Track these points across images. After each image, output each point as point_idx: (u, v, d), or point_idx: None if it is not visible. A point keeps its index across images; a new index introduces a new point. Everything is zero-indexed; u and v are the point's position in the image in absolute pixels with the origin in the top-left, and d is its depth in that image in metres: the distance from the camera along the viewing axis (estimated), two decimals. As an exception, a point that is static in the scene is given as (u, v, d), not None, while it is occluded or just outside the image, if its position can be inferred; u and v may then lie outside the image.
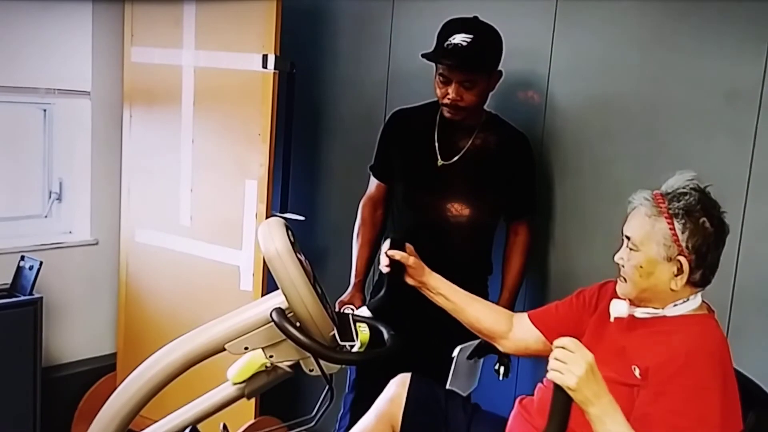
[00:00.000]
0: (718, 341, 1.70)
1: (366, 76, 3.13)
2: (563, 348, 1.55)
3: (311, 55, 3.24)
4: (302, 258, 1.57)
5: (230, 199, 2.93)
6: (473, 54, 2.37)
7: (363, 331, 1.64)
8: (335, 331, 1.58)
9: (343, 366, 1.65)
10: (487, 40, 2.42)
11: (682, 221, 1.69)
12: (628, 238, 1.76)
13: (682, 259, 1.69)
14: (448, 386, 2.28)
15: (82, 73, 3.23)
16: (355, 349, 1.60)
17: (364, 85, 3.02)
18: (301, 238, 1.65)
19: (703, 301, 1.76)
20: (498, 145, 2.56)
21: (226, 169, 2.96)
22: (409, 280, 2.07)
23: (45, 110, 3.27)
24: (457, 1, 2.74)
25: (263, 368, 1.68)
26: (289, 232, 1.57)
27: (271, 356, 1.60)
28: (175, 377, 1.60)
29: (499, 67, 2.47)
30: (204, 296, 3.02)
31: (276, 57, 2.79)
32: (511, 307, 2.49)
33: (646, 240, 1.72)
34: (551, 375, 1.53)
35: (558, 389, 1.53)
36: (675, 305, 1.73)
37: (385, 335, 1.68)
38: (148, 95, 3.21)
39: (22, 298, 2.90)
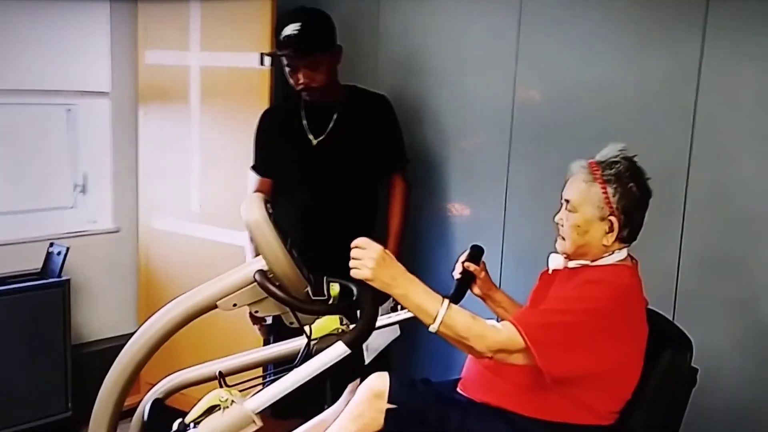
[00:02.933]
0: (627, 282, 1.93)
1: (356, 68, 3.34)
2: (357, 247, 1.77)
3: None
4: (281, 227, 1.83)
5: (235, 186, 3.16)
6: (305, 39, 2.62)
7: (334, 288, 1.90)
8: (309, 288, 1.85)
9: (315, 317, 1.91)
10: (314, 24, 2.66)
11: (614, 186, 1.93)
12: (567, 201, 2.00)
13: (613, 218, 1.93)
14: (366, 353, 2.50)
15: (101, 75, 3.51)
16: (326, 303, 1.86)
17: (354, 76, 3.26)
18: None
19: (629, 255, 2.00)
20: (361, 110, 2.81)
21: (231, 159, 3.21)
22: (476, 290, 2.25)
23: (69, 110, 3.55)
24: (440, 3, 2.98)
25: (335, 331, 1.96)
26: (268, 206, 1.84)
27: (256, 311, 1.87)
28: (176, 331, 1.86)
29: (338, 43, 2.73)
30: (214, 274, 3.23)
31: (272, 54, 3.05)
32: (398, 250, 2.74)
33: (583, 202, 1.95)
34: (352, 273, 1.75)
35: (362, 284, 1.75)
36: (603, 257, 1.98)
37: (355, 291, 1.95)
38: (161, 94, 3.48)
39: (52, 280, 3.19)
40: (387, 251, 1.77)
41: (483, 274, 2.24)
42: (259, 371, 2.95)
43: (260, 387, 2.64)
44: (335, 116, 2.79)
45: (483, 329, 1.79)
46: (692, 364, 1.97)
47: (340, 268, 2.39)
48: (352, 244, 1.79)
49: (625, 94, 2.62)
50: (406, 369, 3.07)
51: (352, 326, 1.86)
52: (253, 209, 1.80)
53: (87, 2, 3.48)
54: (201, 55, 3.28)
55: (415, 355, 3.13)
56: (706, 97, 2.44)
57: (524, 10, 2.81)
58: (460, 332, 1.77)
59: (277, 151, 2.86)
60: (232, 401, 1.70)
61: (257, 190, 2.85)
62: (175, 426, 1.74)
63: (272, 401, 1.73)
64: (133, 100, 3.56)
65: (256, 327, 2.74)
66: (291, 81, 2.72)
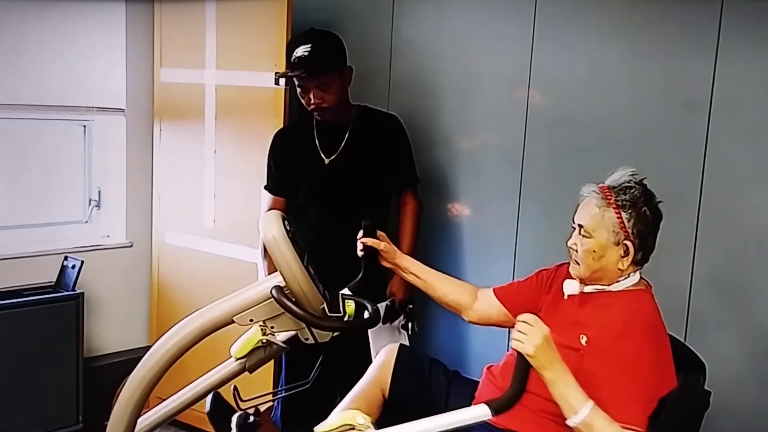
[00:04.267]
0: (652, 311, 1.95)
1: (368, 87, 3.38)
2: (525, 322, 1.81)
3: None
4: (298, 244, 1.86)
5: (248, 203, 3.19)
6: (316, 60, 2.68)
7: (349, 306, 1.93)
8: (325, 305, 1.87)
9: (333, 333, 1.93)
10: (324, 45, 2.73)
11: (629, 211, 1.95)
12: (580, 226, 2.01)
13: (628, 243, 1.96)
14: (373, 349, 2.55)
15: (117, 92, 3.55)
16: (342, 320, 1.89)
17: (366, 96, 3.29)
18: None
19: (642, 278, 2.02)
20: (373, 130, 2.86)
21: (245, 176, 3.23)
22: (384, 263, 2.31)
23: (85, 126, 3.60)
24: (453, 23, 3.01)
25: (260, 344, 1.94)
26: (286, 223, 1.86)
27: (272, 327, 1.89)
28: (192, 345, 1.87)
29: (348, 64, 2.79)
30: (227, 290, 3.25)
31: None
32: None
33: (598, 228, 1.98)
34: (514, 344, 1.80)
35: (520, 356, 1.80)
36: (618, 281, 2.00)
37: (369, 309, 1.98)
38: (176, 111, 3.53)
39: (66, 293, 3.22)
40: (550, 336, 1.81)
41: (383, 245, 2.28)
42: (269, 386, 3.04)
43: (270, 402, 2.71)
44: (347, 135, 2.84)
45: None
46: (705, 387, 1.99)
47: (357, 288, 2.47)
48: (521, 318, 1.83)
49: (639, 117, 2.64)
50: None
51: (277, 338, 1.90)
52: (272, 225, 1.82)
53: (104, 20, 3.53)
54: (216, 73, 3.32)
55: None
56: (718, 122, 2.47)
57: (537, 30, 2.84)
58: None
59: (290, 170, 2.91)
60: (368, 427, 1.74)
61: (270, 209, 2.88)
62: (235, 418, 1.84)
63: None
64: (149, 116, 3.60)
65: None
66: (303, 101, 2.78)
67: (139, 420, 2.01)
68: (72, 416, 3.27)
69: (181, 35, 3.47)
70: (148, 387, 1.90)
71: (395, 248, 2.33)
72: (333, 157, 2.84)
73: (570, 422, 1.81)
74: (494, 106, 2.99)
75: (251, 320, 1.87)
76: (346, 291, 2.20)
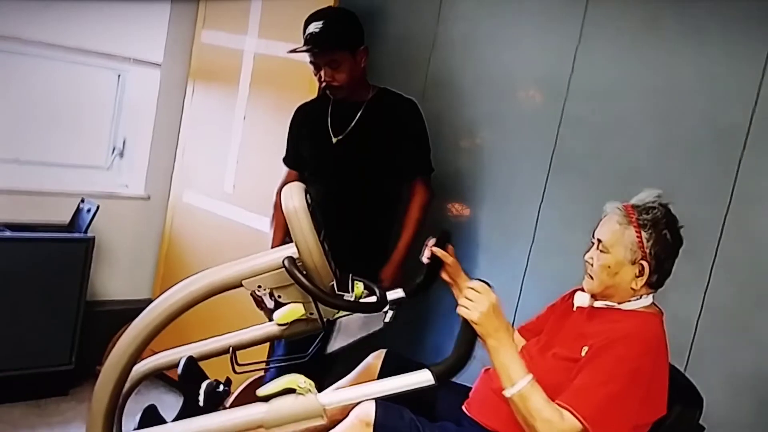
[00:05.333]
0: (657, 334, 1.94)
1: (407, 78, 3.38)
2: (473, 289, 1.81)
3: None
4: (317, 219, 1.87)
5: (271, 173, 3.17)
6: (326, 37, 2.65)
7: (358, 286, 1.94)
8: (334, 282, 1.88)
9: (338, 312, 1.94)
10: (337, 22, 2.69)
11: (649, 231, 1.95)
12: (599, 240, 2.02)
13: (644, 263, 1.95)
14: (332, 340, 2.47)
15: (156, 47, 3.58)
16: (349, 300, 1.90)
17: (405, 87, 3.29)
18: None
19: (653, 303, 2.02)
20: (386, 113, 2.79)
21: (271, 146, 3.22)
22: (444, 276, 2.27)
23: (120, 75, 3.63)
24: (487, 24, 3.00)
25: (303, 317, 2.00)
26: (308, 196, 1.87)
27: (279, 296, 1.91)
28: (197, 302, 1.88)
29: (365, 44, 2.74)
30: (235, 256, 3.20)
31: (326, 53, 3.11)
32: (404, 258, 2.78)
33: (616, 244, 1.97)
34: (460, 310, 1.79)
35: (466, 323, 1.79)
36: (629, 301, 2.00)
37: (377, 292, 1.99)
38: (211, 73, 3.55)
39: (78, 235, 3.26)
40: (498, 304, 1.81)
41: (451, 259, 2.26)
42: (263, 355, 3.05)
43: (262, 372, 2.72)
44: (358, 116, 2.79)
45: (552, 415, 1.81)
46: (700, 422, 1.99)
47: (351, 266, 2.44)
48: (469, 284, 1.83)
49: (672, 136, 2.62)
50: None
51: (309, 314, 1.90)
52: (293, 196, 1.83)
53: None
54: (257, 41, 3.33)
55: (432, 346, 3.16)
56: (753, 152, 2.44)
57: (583, 40, 2.82)
58: (531, 409, 1.80)
59: (302, 145, 2.91)
60: (309, 390, 1.73)
61: (285, 182, 2.87)
62: (204, 385, 1.81)
63: (346, 403, 1.79)
64: (184, 75, 3.63)
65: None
66: (315, 78, 2.77)
67: (157, 356, 2.10)
68: (65, 356, 3.30)
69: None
70: (149, 336, 1.91)
71: (460, 267, 2.29)
72: (341, 136, 2.80)
73: (506, 393, 1.81)
74: (528, 110, 2.98)
75: (259, 286, 1.89)
76: (399, 293, 2.24)
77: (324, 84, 2.72)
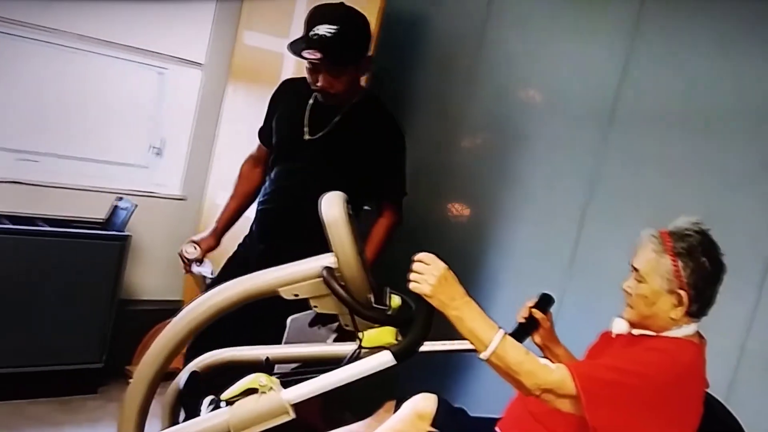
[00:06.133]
0: (691, 360, 1.87)
1: (451, 85, 3.35)
2: (420, 261, 1.75)
3: (403, 64, 3.51)
4: (356, 230, 1.83)
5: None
6: (339, 46, 2.36)
7: (394, 300, 1.89)
8: (371, 295, 1.84)
9: (374, 325, 1.90)
10: (352, 31, 2.40)
11: (685, 259, 1.87)
12: (636, 269, 1.95)
13: (682, 292, 1.87)
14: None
15: (199, 46, 3.59)
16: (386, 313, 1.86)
17: (448, 94, 3.24)
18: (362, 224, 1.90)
19: (698, 332, 1.95)
20: (366, 125, 2.57)
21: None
22: (537, 339, 2.17)
23: (161, 73, 3.63)
24: (543, 31, 2.95)
25: (388, 345, 1.83)
26: (348, 206, 1.84)
27: (315, 306, 1.87)
28: (233, 307, 1.86)
29: (370, 53, 2.50)
30: None
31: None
32: None
33: (652, 273, 1.90)
34: (411, 285, 1.73)
35: (420, 299, 1.73)
36: (669, 330, 1.93)
37: (413, 307, 1.94)
38: (251, 75, 3.53)
39: (114, 233, 3.26)
40: (449, 270, 1.74)
41: (548, 324, 2.17)
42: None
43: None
44: (336, 120, 2.57)
45: (534, 366, 1.76)
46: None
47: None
48: (416, 257, 1.77)
49: (719, 165, 2.55)
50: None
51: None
52: (334, 206, 1.80)
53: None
54: (299, 45, 3.31)
55: (451, 384, 3.10)
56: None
57: (633, 51, 2.76)
58: (511, 365, 1.74)
59: (275, 129, 2.71)
60: (271, 388, 1.70)
61: (254, 152, 2.82)
62: (206, 401, 1.75)
63: (310, 396, 1.71)
64: (224, 76, 3.62)
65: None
66: (308, 77, 2.50)
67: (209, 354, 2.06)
68: (96, 354, 3.30)
69: (270, 1, 3.46)
70: (183, 339, 1.88)
71: (554, 332, 2.20)
72: (314, 137, 2.58)
73: (482, 356, 1.75)
74: (574, 122, 2.93)
75: (296, 295, 1.86)
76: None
77: (318, 88, 2.48)
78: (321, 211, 1.81)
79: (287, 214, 2.63)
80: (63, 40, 3.25)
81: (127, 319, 3.42)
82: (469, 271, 3.06)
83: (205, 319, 1.87)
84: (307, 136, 2.59)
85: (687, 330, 1.92)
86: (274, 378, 1.75)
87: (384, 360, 1.68)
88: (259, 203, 2.73)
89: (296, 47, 2.41)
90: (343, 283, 1.78)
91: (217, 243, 2.81)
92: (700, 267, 1.87)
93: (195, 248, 2.74)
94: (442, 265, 1.75)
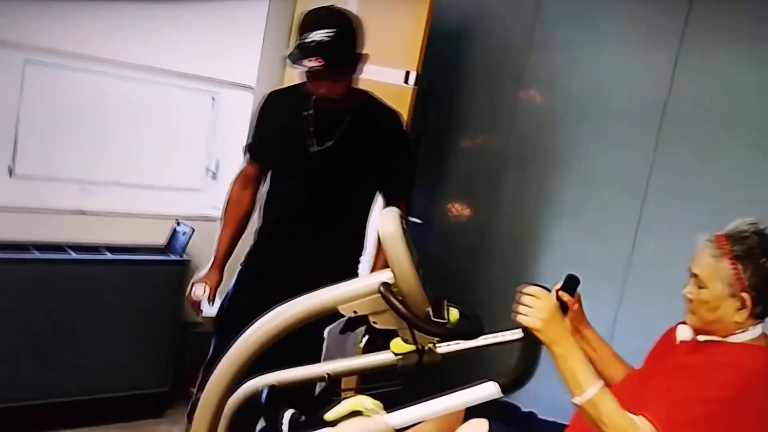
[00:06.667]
0: (764, 367, 1.83)
1: (500, 95, 3.35)
2: (531, 295, 1.74)
3: (450, 76, 3.53)
4: (411, 245, 1.85)
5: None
6: (337, 50, 2.34)
7: (453, 313, 1.90)
8: (430, 309, 1.85)
9: (434, 339, 1.90)
10: (347, 33, 2.39)
11: (744, 262, 1.84)
12: (695, 275, 1.92)
13: (744, 295, 1.85)
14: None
15: (249, 70, 3.65)
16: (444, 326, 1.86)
17: (494, 110, 3.26)
18: (417, 240, 1.92)
19: (764, 333, 1.91)
20: (374, 126, 2.57)
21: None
22: (566, 322, 2.10)
23: (213, 98, 3.71)
24: (588, 44, 2.94)
25: (420, 347, 1.89)
26: (403, 221, 1.85)
27: (374, 322, 1.89)
28: (294, 327, 1.89)
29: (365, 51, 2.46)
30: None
31: (417, 74, 3.08)
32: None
33: (712, 278, 1.87)
34: (519, 318, 1.73)
35: (527, 332, 1.72)
36: (735, 334, 1.90)
37: (472, 319, 1.94)
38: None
39: (174, 258, 3.33)
40: (558, 307, 1.75)
41: (576, 306, 2.16)
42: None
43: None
44: (343, 128, 2.55)
45: (625, 422, 1.74)
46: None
47: (319, 275, 2.23)
48: (525, 290, 1.78)
49: None
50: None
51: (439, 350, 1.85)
52: (389, 222, 1.81)
53: (244, 7, 3.62)
54: (347, 64, 3.34)
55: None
56: None
57: (681, 58, 2.74)
58: (603, 416, 1.73)
59: (272, 142, 2.66)
60: (376, 412, 1.71)
61: (243, 172, 2.73)
62: (287, 414, 1.76)
63: (413, 422, 1.74)
64: (273, 98, 3.66)
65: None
66: (307, 84, 2.48)
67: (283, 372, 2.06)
68: (160, 378, 3.36)
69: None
70: (247, 359, 1.92)
71: (584, 315, 2.20)
72: (322, 147, 2.55)
73: (576, 400, 1.73)
74: (623, 128, 2.91)
75: (355, 312, 1.88)
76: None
77: (321, 95, 2.46)
78: (378, 227, 1.84)
79: (311, 229, 2.61)
80: (120, 70, 3.34)
81: (190, 342, 3.45)
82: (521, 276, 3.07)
83: (268, 341, 1.90)
84: (314, 148, 2.55)
85: (753, 333, 1.89)
86: (377, 402, 1.77)
87: (490, 392, 1.68)
88: (272, 223, 2.69)
89: (295, 57, 2.38)
90: (400, 298, 1.81)
91: (222, 277, 2.74)
92: (761, 268, 1.85)
93: (205, 288, 2.67)
94: (553, 300, 1.76)
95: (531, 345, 1.73)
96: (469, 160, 3.48)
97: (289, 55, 2.41)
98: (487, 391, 1.66)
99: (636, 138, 2.86)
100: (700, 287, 1.91)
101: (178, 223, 3.40)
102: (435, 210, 3.60)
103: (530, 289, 1.77)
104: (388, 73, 3.17)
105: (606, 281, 2.93)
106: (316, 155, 2.55)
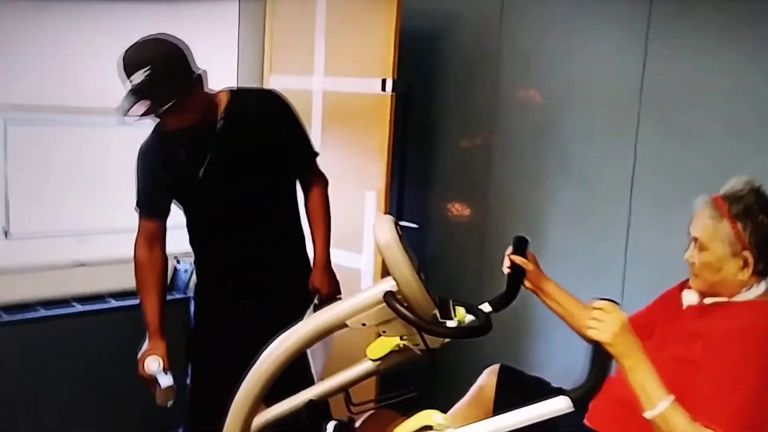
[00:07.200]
0: None
1: (475, 95, 3.38)
2: (601, 309, 1.75)
3: (426, 77, 3.55)
4: (408, 250, 1.86)
5: (352, 208, 3.23)
6: (158, 87, 2.22)
7: (459, 312, 1.91)
8: (436, 311, 1.86)
9: (444, 340, 1.91)
10: (166, 64, 2.25)
11: (744, 221, 1.87)
12: (695, 239, 1.94)
13: (746, 253, 1.87)
14: (313, 369, 2.44)
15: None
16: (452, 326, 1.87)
17: (473, 104, 3.27)
18: (414, 244, 1.94)
19: (767, 289, 1.93)
20: (250, 119, 2.47)
21: (349, 182, 3.27)
22: (527, 284, 2.23)
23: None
24: (560, 34, 2.96)
25: (396, 348, 1.95)
26: (398, 227, 1.86)
27: (383, 332, 1.90)
28: (306, 347, 1.91)
29: (199, 71, 2.34)
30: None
31: (393, 81, 3.10)
32: (327, 258, 2.63)
33: (713, 240, 1.90)
34: (590, 332, 1.73)
35: (597, 345, 1.73)
36: (741, 293, 1.91)
37: (480, 315, 1.95)
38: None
39: (179, 296, 3.33)
40: (628, 322, 1.76)
41: (531, 266, 2.19)
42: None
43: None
44: (220, 139, 2.45)
45: None
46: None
47: (279, 285, 2.37)
48: (596, 304, 1.79)
49: (755, 133, 2.54)
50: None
51: (413, 345, 1.87)
52: (384, 230, 1.82)
53: (216, 30, 3.63)
54: (324, 79, 3.37)
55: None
56: None
57: (650, 41, 2.76)
58: (674, 430, 1.74)
59: (163, 190, 2.56)
60: (447, 427, 1.71)
61: (144, 232, 2.62)
62: (330, 426, 1.82)
63: None
64: (257, 123, 3.67)
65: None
66: (160, 125, 2.40)
67: (267, 410, 2.08)
68: (177, 416, 3.34)
69: (291, 42, 3.55)
70: (262, 389, 1.92)
71: (541, 271, 2.24)
72: (208, 167, 2.45)
73: (647, 415, 1.74)
74: (601, 119, 2.93)
75: (363, 324, 1.88)
76: (486, 306, 2.17)
77: (172, 129, 2.36)
78: (374, 236, 1.85)
79: (243, 245, 2.56)
80: (100, 116, 3.32)
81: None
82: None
83: (282, 363, 1.90)
84: (201, 174, 2.45)
85: (758, 290, 1.91)
86: (445, 415, 1.77)
87: (561, 406, 1.68)
88: (205, 258, 2.65)
89: (121, 108, 2.26)
90: (406, 304, 1.82)
91: (166, 342, 2.63)
92: (760, 225, 1.87)
93: (157, 360, 2.56)
94: (623, 314, 1.76)
95: (600, 358, 1.74)
96: (456, 161, 3.50)
97: (122, 111, 2.27)
98: (559, 405, 1.67)
99: (617, 125, 2.89)
100: (701, 250, 1.92)
101: (178, 261, 3.40)
102: (425, 212, 3.61)
103: (600, 303, 1.78)
104: (364, 84, 3.20)
105: (604, 273, 2.94)
106: (207, 178, 2.46)
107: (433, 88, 3.54)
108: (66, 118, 3.29)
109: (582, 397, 1.66)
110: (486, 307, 2.21)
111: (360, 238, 3.28)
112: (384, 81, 3.11)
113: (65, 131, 3.34)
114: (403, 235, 1.86)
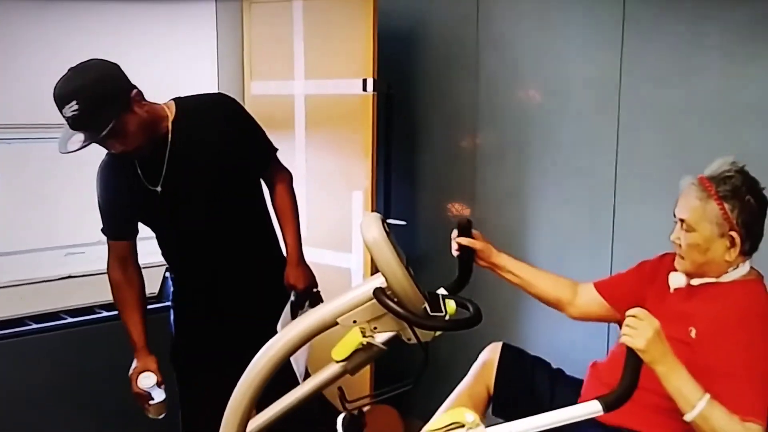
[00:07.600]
0: (766, 302, 1.89)
1: (455, 94, 3.39)
2: (634, 316, 1.77)
3: (407, 76, 3.56)
4: (396, 246, 1.87)
5: (340, 208, 3.25)
6: (90, 119, 2.17)
7: (450, 305, 1.92)
8: (426, 305, 1.87)
9: (436, 333, 1.93)
10: (95, 93, 2.19)
11: (731, 201, 1.89)
12: (682, 220, 1.96)
13: (733, 233, 1.90)
14: (296, 371, 2.45)
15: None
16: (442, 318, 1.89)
17: (456, 103, 3.29)
18: (402, 241, 1.95)
19: (751, 267, 1.96)
20: (199, 126, 2.42)
21: (336, 182, 3.30)
22: (480, 262, 2.26)
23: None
24: (537, 25, 2.98)
25: (360, 346, 1.93)
26: (384, 224, 1.87)
27: (375, 328, 1.90)
28: (297, 349, 1.91)
29: (132, 91, 2.27)
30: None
31: (374, 80, 3.12)
32: (300, 253, 2.59)
33: (700, 221, 1.92)
34: (624, 339, 1.75)
35: (630, 351, 1.75)
36: (727, 273, 1.93)
37: (470, 308, 1.97)
38: (266, 124, 3.50)
39: (167, 304, 3.29)
40: (660, 329, 1.77)
41: (479, 244, 2.21)
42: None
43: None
44: (170, 149, 2.41)
45: (737, 428, 1.77)
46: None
47: (255, 286, 2.38)
48: (629, 312, 1.80)
49: (732, 125, 2.57)
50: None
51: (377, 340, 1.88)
52: (371, 228, 1.83)
53: (194, 38, 3.63)
54: (305, 83, 3.38)
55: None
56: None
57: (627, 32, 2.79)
58: (716, 428, 1.76)
59: (124, 211, 2.54)
60: (478, 424, 1.72)
61: (114, 254, 2.58)
62: (339, 419, 1.87)
63: None
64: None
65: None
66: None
67: (258, 416, 2.07)
68: (172, 426, 3.33)
69: (270, 47, 3.55)
70: (256, 392, 1.93)
71: (491, 247, 2.27)
72: (163, 179, 2.42)
73: (687, 417, 1.77)
74: (583, 107, 2.95)
75: (354, 321, 1.89)
76: (442, 290, 2.20)
77: (122, 152, 2.31)
78: (361, 234, 1.86)
79: (216, 252, 2.55)
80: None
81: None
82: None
83: (274, 365, 1.91)
84: (158, 188, 2.43)
85: (743, 270, 1.94)
86: (476, 413, 1.77)
87: (593, 409, 1.71)
88: (179, 270, 2.66)
89: (62, 140, 2.24)
90: (396, 300, 1.83)
91: (155, 357, 2.64)
92: (747, 205, 1.90)
93: (150, 375, 2.57)
94: (656, 322, 1.78)
95: (633, 364, 1.76)
96: (441, 157, 3.51)
97: (64, 151, 2.25)
98: (592, 408, 1.70)
99: (599, 111, 2.91)
100: (688, 231, 1.94)
101: (167, 270, 3.40)
102: (413, 209, 3.62)
103: (634, 310, 1.80)
104: (345, 84, 3.21)
105: (594, 255, 2.96)
106: (166, 192, 2.44)
107: (414, 86, 3.55)
108: (44, 136, 3.27)
109: (615, 402, 1.70)
110: (442, 292, 2.21)
111: (349, 238, 3.30)
112: (365, 81, 3.12)
113: (44, 147, 3.32)
114: (391, 231, 1.88)
